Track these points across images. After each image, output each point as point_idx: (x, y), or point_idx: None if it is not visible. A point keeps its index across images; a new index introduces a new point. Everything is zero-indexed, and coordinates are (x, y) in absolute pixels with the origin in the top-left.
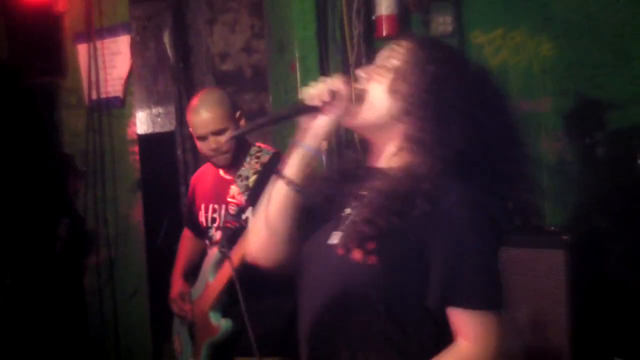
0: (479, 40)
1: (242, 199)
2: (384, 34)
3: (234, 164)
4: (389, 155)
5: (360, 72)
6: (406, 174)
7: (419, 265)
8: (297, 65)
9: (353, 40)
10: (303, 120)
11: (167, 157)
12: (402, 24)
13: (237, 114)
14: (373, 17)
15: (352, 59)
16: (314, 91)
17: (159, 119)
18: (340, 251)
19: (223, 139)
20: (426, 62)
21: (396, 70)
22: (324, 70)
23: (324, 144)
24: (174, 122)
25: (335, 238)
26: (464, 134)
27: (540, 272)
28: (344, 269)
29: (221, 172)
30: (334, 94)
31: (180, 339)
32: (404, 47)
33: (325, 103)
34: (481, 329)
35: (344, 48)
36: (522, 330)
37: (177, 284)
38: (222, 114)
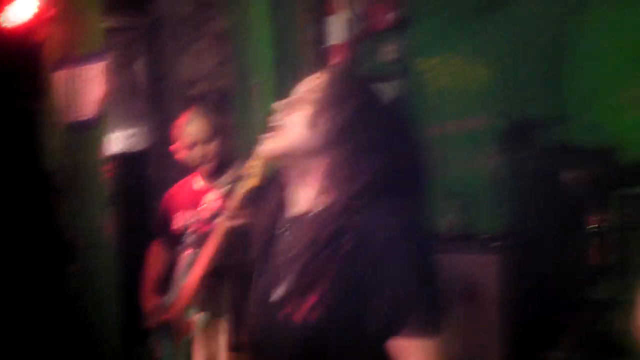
0: (422, 66)
1: (216, 204)
2: (336, 61)
3: (216, 173)
4: (310, 197)
5: (279, 105)
6: (330, 214)
7: (360, 305)
8: (257, 90)
9: (308, 66)
10: None
11: (140, 174)
12: (352, 52)
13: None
14: (326, 46)
15: None
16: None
17: (132, 139)
18: (283, 311)
19: (211, 147)
20: (345, 96)
21: (315, 104)
22: (281, 95)
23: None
24: (146, 142)
25: (275, 294)
26: (383, 165)
27: (475, 277)
28: (289, 332)
29: (197, 183)
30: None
31: (160, 344)
32: (324, 80)
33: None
34: (424, 356)
35: (299, 74)
36: (457, 338)
37: (150, 298)
38: (211, 125)
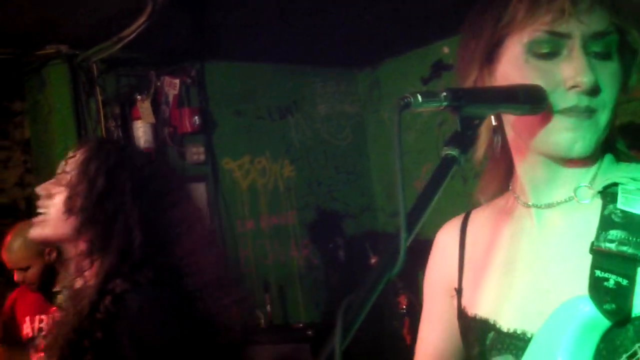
0: (230, 165)
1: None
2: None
3: (44, 288)
4: (72, 276)
5: (40, 190)
6: (86, 295)
7: None
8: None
9: None
10: None
11: None
12: (159, 155)
13: (48, 250)
14: None
15: None
16: None
17: None
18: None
19: (28, 274)
20: (95, 174)
21: (68, 186)
22: None
23: None
24: None
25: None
26: (139, 240)
27: None
28: None
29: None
30: None
31: None
32: (75, 159)
33: None
34: None
35: None
36: None
37: None
38: (28, 254)
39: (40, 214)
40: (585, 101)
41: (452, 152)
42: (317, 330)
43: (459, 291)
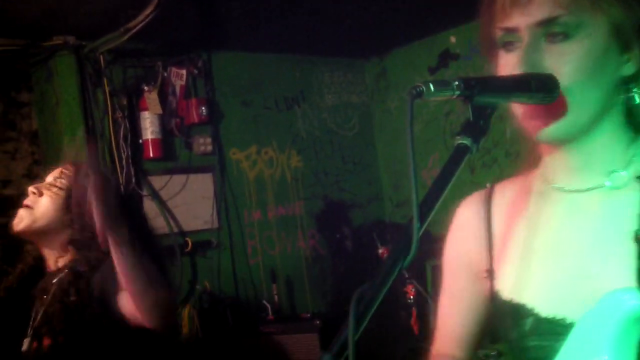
0: (237, 156)
1: None
2: (151, 155)
3: None
4: (55, 258)
5: (31, 188)
6: (72, 270)
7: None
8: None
9: (122, 162)
10: None
11: None
12: (166, 146)
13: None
14: (140, 141)
15: (121, 178)
16: None
17: None
18: (33, 345)
19: None
20: (87, 183)
21: (66, 189)
22: None
23: None
24: None
25: (25, 343)
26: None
27: (299, 355)
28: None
29: None
30: None
31: None
32: (70, 171)
33: None
34: None
35: (114, 169)
36: None
37: None
38: None
39: (26, 207)
40: None
41: (465, 141)
42: (324, 320)
43: (490, 272)
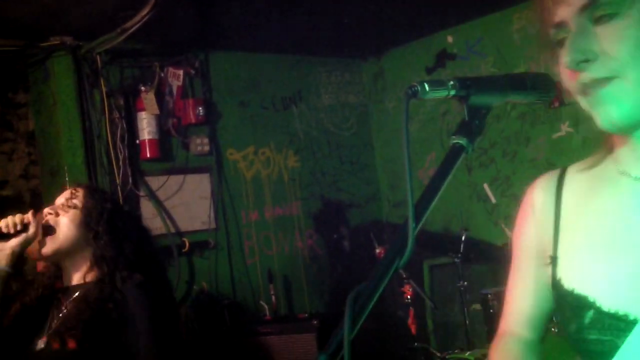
0: (234, 156)
1: None
2: (148, 155)
3: None
4: (82, 274)
5: (48, 210)
6: (97, 284)
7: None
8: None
9: (119, 162)
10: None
11: None
12: (164, 146)
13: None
14: (137, 141)
15: (118, 179)
16: (8, 221)
17: None
18: (45, 345)
19: None
20: (100, 202)
21: (80, 208)
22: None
23: None
24: None
25: (41, 343)
26: (132, 249)
27: (297, 355)
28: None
29: None
30: (23, 224)
31: None
32: (81, 192)
33: (16, 230)
34: None
35: (110, 170)
36: None
37: None
38: None
39: (49, 231)
40: (586, 77)
41: (460, 141)
42: (322, 320)
43: (554, 259)
